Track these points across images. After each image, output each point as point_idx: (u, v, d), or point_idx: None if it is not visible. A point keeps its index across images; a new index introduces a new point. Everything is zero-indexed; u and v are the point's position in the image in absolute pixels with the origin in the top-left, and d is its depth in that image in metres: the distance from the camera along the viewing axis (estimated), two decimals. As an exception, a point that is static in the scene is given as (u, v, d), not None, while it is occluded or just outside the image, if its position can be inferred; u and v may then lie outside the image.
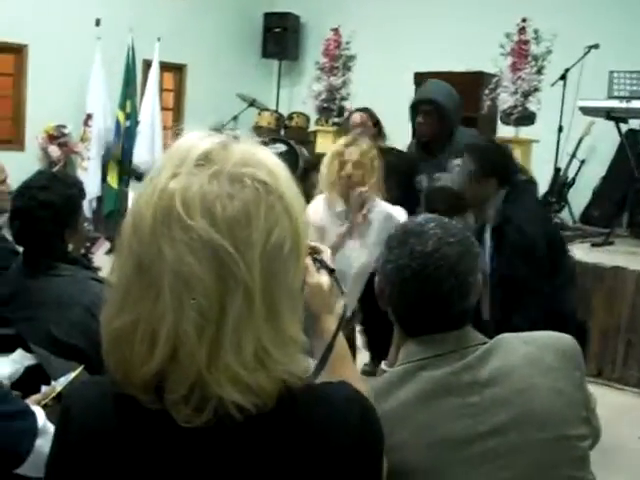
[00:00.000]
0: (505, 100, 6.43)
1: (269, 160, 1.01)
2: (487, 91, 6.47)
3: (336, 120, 7.63)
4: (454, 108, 4.54)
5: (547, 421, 1.52)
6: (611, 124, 6.37)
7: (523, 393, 1.53)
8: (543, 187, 7.22)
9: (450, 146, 4.40)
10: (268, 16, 9.88)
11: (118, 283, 0.98)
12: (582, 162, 7.56)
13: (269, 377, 0.95)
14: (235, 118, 8.37)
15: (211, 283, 0.92)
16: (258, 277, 0.93)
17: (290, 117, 8.52)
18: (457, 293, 1.57)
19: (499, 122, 6.65)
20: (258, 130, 8.12)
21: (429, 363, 1.55)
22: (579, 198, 7.52)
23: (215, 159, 0.97)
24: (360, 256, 3.82)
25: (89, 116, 8.32)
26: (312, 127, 8.26)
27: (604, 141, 7.26)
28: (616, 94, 6.24)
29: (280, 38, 9.77)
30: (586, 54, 6.81)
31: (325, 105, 7.57)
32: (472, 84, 6.77)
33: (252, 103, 8.44)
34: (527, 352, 1.59)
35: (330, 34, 7.71)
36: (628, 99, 6.14)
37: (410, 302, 1.60)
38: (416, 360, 1.57)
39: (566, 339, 1.66)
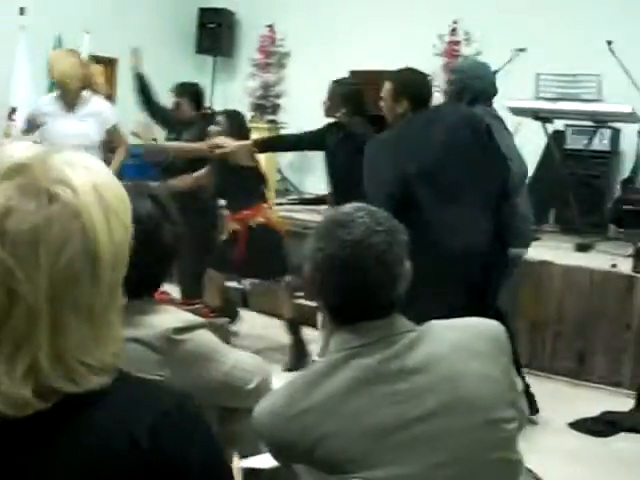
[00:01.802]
0: (437, 99, 6.56)
1: (79, 177, 0.96)
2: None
3: (271, 117, 7.64)
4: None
5: (475, 405, 1.57)
6: (537, 124, 6.57)
7: (451, 379, 1.57)
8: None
9: None
10: (203, 11, 9.75)
11: None
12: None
13: (35, 391, 0.94)
14: None
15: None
16: (43, 298, 0.92)
17: None
18: (386, 281, 1.60)
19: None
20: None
21: (359, 352, 1.58)
22: (508, 196, 7.69)
23: (25, 172, 0.93)
24: None
25: (13, 110, 7.92)
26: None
27: (531, 141, 7.45)
28: (542, 95, 6.45)
29: (215, 34, 9.65)
30: (514, 56, 7.02)
31: (260, 102, 7.55)
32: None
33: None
34: (455, 338, 1.64)
35: (265, 30, 7.72)
36: (554, 100, 6.36)
37: (339, 291, 1.61)
38: (346, 349, 1.59)
39: (493, 325, 1.72)
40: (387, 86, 3.89)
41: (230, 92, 9.49)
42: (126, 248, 1.02)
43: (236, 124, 5.22)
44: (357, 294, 1.61)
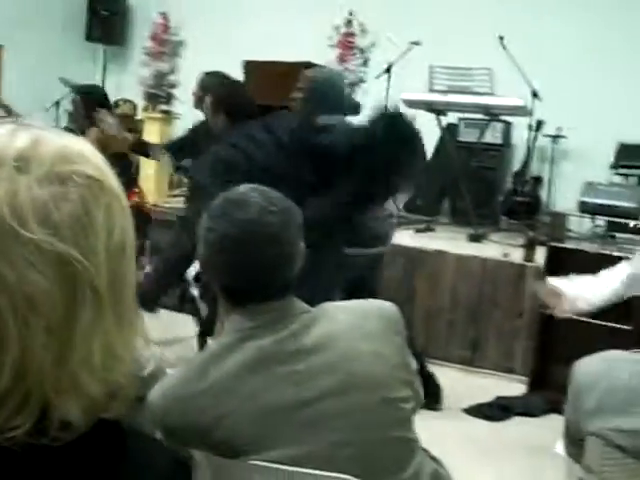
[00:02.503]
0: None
1: (89, 152, 0.90)
2: (316, 81, 6.59)
3: (164, 107, 7.51)
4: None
5: (370, 384, 1.57)
6: (432, 117, 6.66)
7: (347, 359, 1.57)
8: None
9: None
10: (94, -4, 9.55)
11: None
12: (406, 153, 7.83)
13: (113, 382, 0.88)
14: (57, 103, 8.02)
15: (59, 296, 0.82)
16: (106, 282, 0.85)
17: (116, 104, 8.30)
18: (280, 262, 1.59)
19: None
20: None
21: (254, 333, 1.57)
22: (402, 188, 7.78)
23: (32, 158, 0.84)
24: None
25: None
26: (140, 114, 8.12)
27: (426, 133, 7.52)
28: (436, 88, 6.53)
29: (106, 22, 9.45)
30: (409, 49, 7.10)
31: (153, 91, 7.40)
32: (300, 74, 6.88)
33: (75, 88, 8.16)
34: (350, 319, 1.64)
35: (158, 18, 7.57)
36: (447, 93, 6.45)
37: (233, 271, 1.60)
38: (241, 330, 1.58)
39: (386, 306, 1.73)
40: (207, 100, 3.98)
41: (122, 82, 9.29)
42: None
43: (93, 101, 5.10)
44: (250, 274, 1.59)
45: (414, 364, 1.78)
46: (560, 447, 2.17)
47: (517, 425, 4.39)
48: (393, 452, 1.60)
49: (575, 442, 1.98)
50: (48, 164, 0.85)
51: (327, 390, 1.54)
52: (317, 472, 1.50)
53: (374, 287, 4.21)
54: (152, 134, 7.18)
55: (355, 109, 6.35)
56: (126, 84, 8.82)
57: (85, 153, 0.89)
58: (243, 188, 1.65)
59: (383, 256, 4.38)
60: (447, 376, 4.90)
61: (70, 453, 0.86)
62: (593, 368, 1.95)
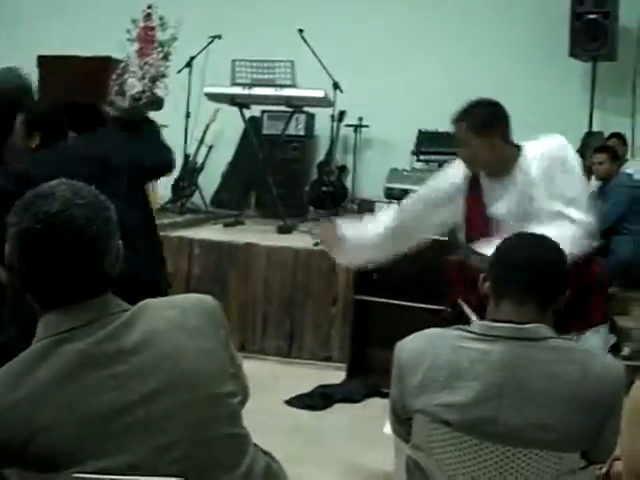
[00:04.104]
0: (133, 85, 6.39)
1: None
2: (114, 76, 6.38)
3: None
4: None
5: (197, 382, 1.52)
6: (236, 110, 6.64)
7: (171, 357, 1.51)
8: (174, 173, 7.35)
9: None
10: None
11: None
12: (210, 147, 7.78)
13: None
14: None
15: None
16: None
17: None
18: (88, 257, 1.50)
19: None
20: None
21: (69, 336, 1.46)
22: (209, 182, 7.74)
23: None
24: None
25: None
26: None
27: (230, 127, 7.54)
28: (239, 81, 6.51)
29: None
30: (210, 43, 7.04)
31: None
32: (99, 70, 6.65)
33: None
34: (170, 316, 1.57)
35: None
36: (250, 86, 6.45)
37: (37, 268, 1.48)
38: (54, 334, 1.47)
39: (207, 300, 1.67)
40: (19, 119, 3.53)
41: None
42: None
43: None
44: (57, 271, 1.48)
45: (240, 358, 1.74)
46: (388, 428, 2.19)
47: (339, 411, 4.45)
48: (224, 449, 1.55)
49: (402, 421, 2.00)
50: None
51: (151, 392, 1.47)
52: (144, 479, 1.42)
53: None
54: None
55: (158, 104, 6.23)
56: None
57: None
58: (54, 182, 1.54)
59: None
60: (265, 369, 4.90)
61: None
62: (415, 346, 1.98)
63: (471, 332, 1.91)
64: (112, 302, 1.55)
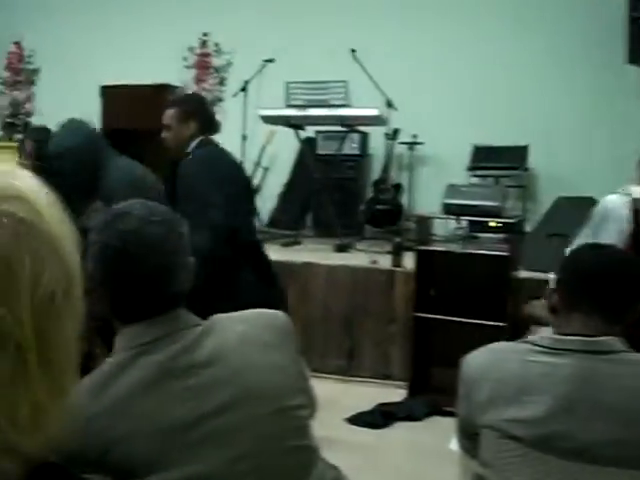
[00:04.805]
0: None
1: (30, 190, 0.84)
2: (172, 103, 6.52)
3: (21, 136, 7.28)
4: None
5: (267, 395, 1.55)
6: (290, 132, 6.70)
7: (241, 371, 1.55)
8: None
9: None
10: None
11: None
12: (266, 169, 7.86)
13: (46, 438, 0.82)
14: None
15: None
16: (31, 335, 0.79)
17: None
18: (162, 272, 1.56)
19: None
20: None
21: (146, 349, 1.52)
22: (266, 204, 7.80)
23: None
24: None
25: None
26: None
27: (285, 148, 7.61)
28: (293, 103, 6.58)
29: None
30: (263, 67, 7.13)
31: (9, 120, 7.16)
32: (158, 97, 6.82)
33: None
34: (242, 331, 1.61)
35: (12, 47, 7.33)
36: (304, 107, 6.51)
37: (116, 284, 1.56)
38: (133, 347, 1.54)
39: (278, 315, 1.72)
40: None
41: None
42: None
43: None
44: (133, 285, 1.55)
45: (307, 371, 1.76)
46: (454, 443, 2.18)
47: (401, 430, 4.43)
48: (293, 462, 1.58)
49: (470, 437, 1.99)
50: None
51: (223, 404, 1.51)
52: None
53: None
54: (6, 163, 6.90)
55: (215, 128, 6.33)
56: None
57: (23, 192, 0.82)
58: (130, 202, 1.63)
59: None
60: (326, 387, 4.89)
61: None
62: (482, 361, 1.96)
63: (539, 345, 1.88)
64: (185, 316, 1.60)
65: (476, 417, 1.92)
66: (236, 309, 1.70)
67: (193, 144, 3.71)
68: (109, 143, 3.62)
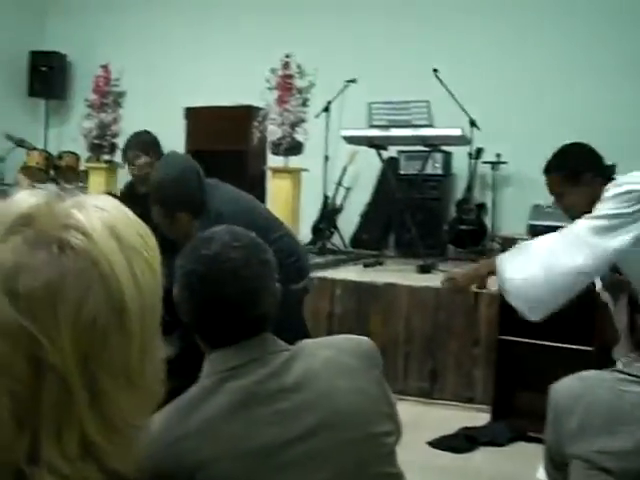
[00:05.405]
0: (273, 132, 6.59)
1: (91, 219, 0.85)
2: (256, 123, 6.61)
3: (108, 157, 7.50)
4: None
5: (353, 421, 1.56)
6: (372, 152, 6.71)
7: (328, 396, 1.56)
8: (314, 214, 7.50)
9: None
10: (34, 54, 9.57)
11: None
12: (348, 189, 7.89)
13: (100, 471, 0.82)
14: (2, 159, 8.10)
15: (23, 367, 0.78)
16: (72, 360, 0.79)
17: (60, 156, 8.42)
18: (245, 297, 1.58)
19: (269, 153, 6.80)
20: (26, 170, 7.92)
21: (234, 373, 1.55)
22: (348, 224, 7.82)
23: (31, 222, 0.82)
24: None
25: None
26: (83, 166, 8.12)
27: (367, 168, 7.62)
28: (375, 123, 6.59)
29: (46, 77, 9.50)
30: (345, 87, 7.17)
31: (96, 142, 7.39)
32: (241, 118, 6.95)
33: (20, 143, 8.25)
34: (328, 356, 1.63)
35: (99, 71, 7.57)
36: (386, 127, 6.51)
37: (201, 308, 1.59)
38: (220, 372, 1.56)
39: (363, 340, 1.72)
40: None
41: (64, 134, 9.29)
42: (156, 292, 0.90)
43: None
44: (216, 309, 1.58)
45: (393, 397, 1.76)
46: (542, 473, 2.14)
47: (484, 454, 4.36)
48: None
49: (558, 466, 1.95)
50: (38, 227, 0.82)
51: (309, 429, 1.52)
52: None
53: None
54: (97, 184, 7.18)
55: (298, 149, 6.39)
56: (68, 136, 8.79)
57: (82, 221, 0.84)
58: (216, 228, 1.67)
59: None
60: (408, 409, 4.84)
61: None
62: (571, 389, 1.93)
63: (630, 375, 1.85)
64: (271, 341, 1.62)
65: (565, 446, 1.89)
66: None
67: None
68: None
